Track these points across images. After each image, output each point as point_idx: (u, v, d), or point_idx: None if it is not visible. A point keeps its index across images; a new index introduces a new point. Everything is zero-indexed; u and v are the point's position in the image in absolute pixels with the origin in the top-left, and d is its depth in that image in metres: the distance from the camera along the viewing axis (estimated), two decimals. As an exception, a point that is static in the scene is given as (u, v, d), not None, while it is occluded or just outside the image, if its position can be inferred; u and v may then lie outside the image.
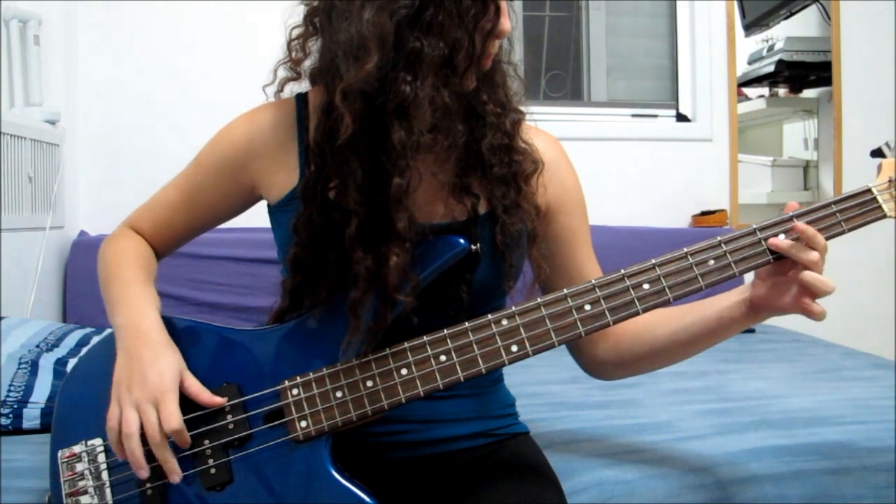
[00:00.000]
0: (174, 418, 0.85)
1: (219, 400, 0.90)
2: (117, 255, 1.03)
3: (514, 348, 0.88)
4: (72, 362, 1.57)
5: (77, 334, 1.77)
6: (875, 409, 1.45)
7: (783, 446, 1.25)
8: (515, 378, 1.17)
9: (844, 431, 1.31)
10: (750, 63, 2.96)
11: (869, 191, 0.92)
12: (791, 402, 1.52)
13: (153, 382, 0.86)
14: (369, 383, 0.89)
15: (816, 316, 0.89)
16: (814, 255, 0.88)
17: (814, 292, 0.88)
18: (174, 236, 1.08)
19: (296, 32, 0.94)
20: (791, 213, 0.90)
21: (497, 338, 0.88)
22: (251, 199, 1.05)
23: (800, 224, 0.89)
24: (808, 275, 0.88)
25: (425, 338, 0.89)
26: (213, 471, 0.89)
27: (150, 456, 0.86)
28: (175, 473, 0.86)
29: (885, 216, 0.92)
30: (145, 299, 0.96)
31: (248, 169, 1.01)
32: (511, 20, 0.89)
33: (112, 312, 0.96)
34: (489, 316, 0.89)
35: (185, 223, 1.07)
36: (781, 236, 0.90)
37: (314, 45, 0.92)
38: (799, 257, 0.88)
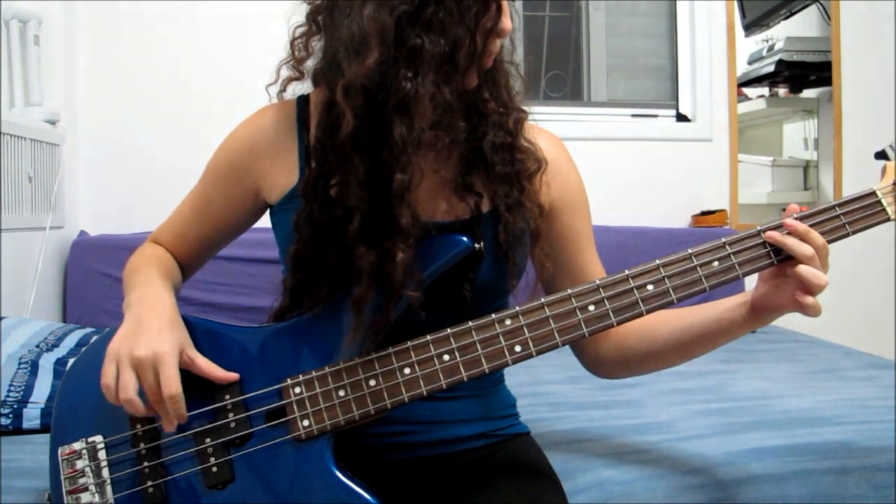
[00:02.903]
0: (173, 383, 0.84)
1: (232, 375, 0.90)
2: (141, 258, 1.05)
3: (518, 348, 0.88)
4: (72, 362, 1.56)
5: (77, 334, 1.77)
6: (875, 409, 1.45)
7: (783, 446, 1.25)
8: (516, 378, 1.17)
9: (844, 431, 1.31)
10: (750, 63, 2.96)
11: (873, 193, 0.92)
12: (791, 402, 1.52)
13: (156, 345, 0.86)
14: (372, 382, 0.88)
15: (810, 310, 0.88)
16: (807, 249, 0.87)
17: (808, 286, 0.88)
18: (192, 249, 1.09)
19: (299, 31, 0.94)
20: (795, 215, 0.90)
21: (501, 337, 0.88)
22: (258, 204, 1.05)
23: (789, 221, 0.89)
24: (802, 267, 0.87)
25: (428, 337, 0.89)
26: (214, 469, 0.89)
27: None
28: (182, 417, 0.86)
29: (888, 219, 0.91)
30: (163, 286, 0.97)
31: (252, 172, 1.02)
32: (513, 20, 0.89)
33: (128, 294, 0.96)
34: (493, 315, 0.89)
35: (199, 234, 1.08)
36: (784, 232, 0.90)
37: (317, 44, 0.92)
38: (793, 250, 0.88)
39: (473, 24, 0.84)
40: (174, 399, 0.85)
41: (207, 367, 0.90)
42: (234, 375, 0.90)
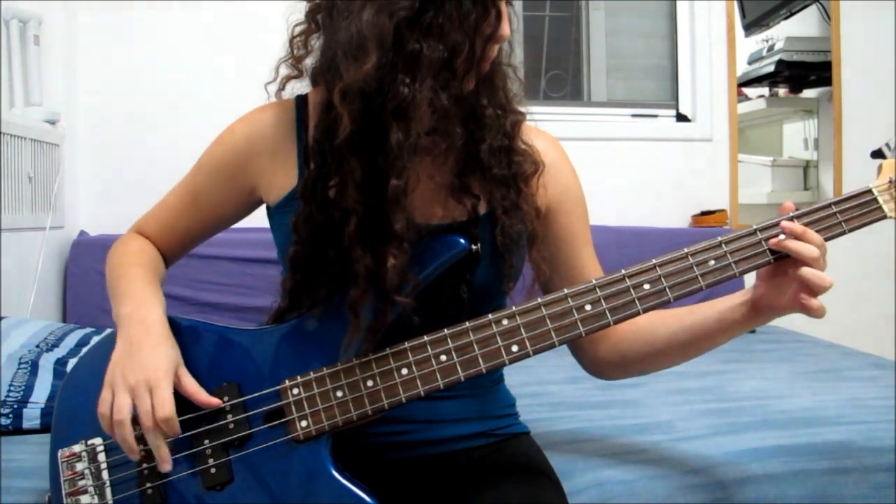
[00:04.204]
0: (167, 405, 0.84)
1: (214, 401, 0.89)
2: (124, 256, 1.04)
3: (515, 348, 0.88)
4: (72, 362, 1.57)
5: (77, 334, 1.77)
6: (875, 409, 1.45)
7: (783, 446, 1.25)
8: (516, 378, 1.17)
9: (844, 431, 1.31)
10: (750, 63, 2.96)
11: (869, 191, 0.92)
12: (791, 402, 1.52)
13: (149, 369, 0.86)
14: (370, 383, 0.89)
15: (815, 312, 0.88)
16: (812, 251, 0.87)
17: (812, 289, 0.88)
18: (178, 240, 1.08)
19: (298, 29, 0.94)
20: (791, 214, 0.90)
21: (497, 337, 0.88)
22: (251, 201, 1.05)
23: (786, 223, 0.89)
24: (805, 270, 0.87)
25: (426, 337, 0.89)
26: (213, 470, 0.89)
27: (141, 440, 0.86)
28: (166, 461, 0.86)
29: (885, 217, 0.92)
30: (152, 295, 0.96)
31: (249, 169, 1.02)
32: (511, 24, 0.89)
33: (117, 304, 0.96)
34: (490, 316, 0.89)
35: (188, 227, 1.07)
36: (782, 236, 0.90)
37: (316, 43, 0.92)
38: (799, 254, 0.87)
39: (472, 29, 0.84)
40: (167, 421, 0.84)
41: (193, 389, 0.89)
42: (216, 401, 0.90)
